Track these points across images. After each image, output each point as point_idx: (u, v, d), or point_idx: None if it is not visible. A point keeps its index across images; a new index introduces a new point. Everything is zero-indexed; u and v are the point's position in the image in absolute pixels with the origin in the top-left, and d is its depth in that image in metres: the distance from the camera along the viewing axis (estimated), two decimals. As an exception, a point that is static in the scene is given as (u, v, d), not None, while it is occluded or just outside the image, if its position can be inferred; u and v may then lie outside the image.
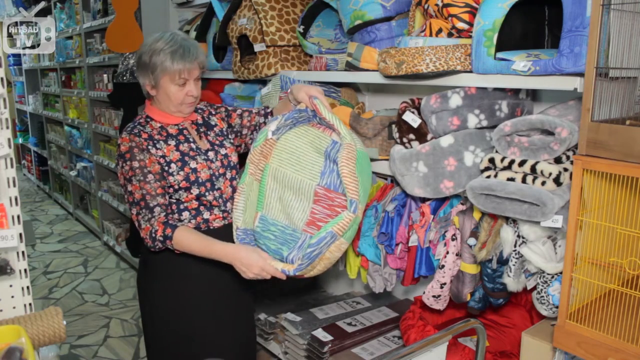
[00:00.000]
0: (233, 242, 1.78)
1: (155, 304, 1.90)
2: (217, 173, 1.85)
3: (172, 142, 1.81)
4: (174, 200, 1.80)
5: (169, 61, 1.72)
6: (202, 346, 1.88)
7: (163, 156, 1.77)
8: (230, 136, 1.99)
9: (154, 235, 1.70)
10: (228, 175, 1.89)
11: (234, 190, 1.90)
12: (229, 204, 1.89)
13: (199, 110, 1.96)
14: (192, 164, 1.80)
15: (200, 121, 1.93)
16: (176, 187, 1.77)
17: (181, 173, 1.77)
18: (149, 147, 1.75)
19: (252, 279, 1.69)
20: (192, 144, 1.84)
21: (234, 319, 1.98)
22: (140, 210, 1.73)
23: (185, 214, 1.82)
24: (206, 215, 1.84)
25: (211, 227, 1.85)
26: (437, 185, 1.74)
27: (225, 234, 1.83)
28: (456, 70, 1.68)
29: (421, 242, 1.84)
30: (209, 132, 1.93)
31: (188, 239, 1.70)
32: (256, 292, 2.59)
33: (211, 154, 1.87)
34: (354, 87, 2.50)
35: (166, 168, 1.76)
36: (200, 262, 1.77)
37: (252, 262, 1.65)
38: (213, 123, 1.96)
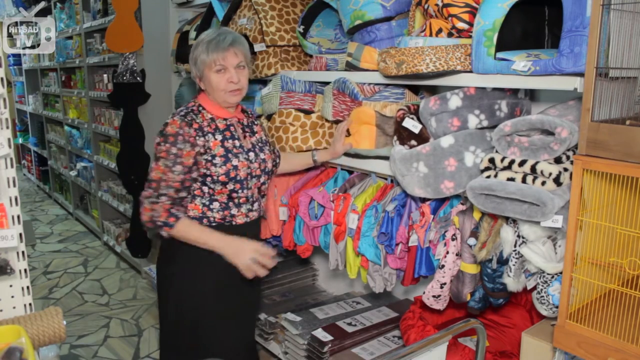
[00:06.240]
0: (254, 236, 1.95)
1: (173, 287, 1.94)
2: (253, 173, 1.92)
3: (219, 137, 1.87)
4: (208, 189, 1.86)
5: (205, 52, 1.84)
6: (208, 333, 1.94)
7: (209, 148, 1.83)
8: (268, 146, 2.05)
9: (155, 218, 1.79)
10: (262, 178, 1.96)
11: (259, 193, 1.98)
12: (255, 204, 1.97)
13: (246, 113, 2.05)
14: (234, 161, 1.86)
15: (245, 122, 2.00)
16: (215, 178, 1.84)
17: (223, 167, 1.84)
18: (197, 138, 1.81)
19: (250, 267, 1.82)
20: (236, 141, 1.91)
21: (242, 312, 2.06)
22: (151, 189, 1.79)
23: (215, 205, 1.88)
24: (233, 210, 1.91)
25: (234, 223, 1.92)
26: (437, 185, 1.74)
27: (246, 230, 1.95)
28: (456, 70, 1.68)
29: (421, 242, 1.84)
30: (252, 135, 2.00)
31: (188, 227, 1.83)
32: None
33: (252, 155, 1.93)
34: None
35: (209, 159, 1.83)
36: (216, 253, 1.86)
37: (243, 246, 1.83)
38: (255, 130, 2.03)
